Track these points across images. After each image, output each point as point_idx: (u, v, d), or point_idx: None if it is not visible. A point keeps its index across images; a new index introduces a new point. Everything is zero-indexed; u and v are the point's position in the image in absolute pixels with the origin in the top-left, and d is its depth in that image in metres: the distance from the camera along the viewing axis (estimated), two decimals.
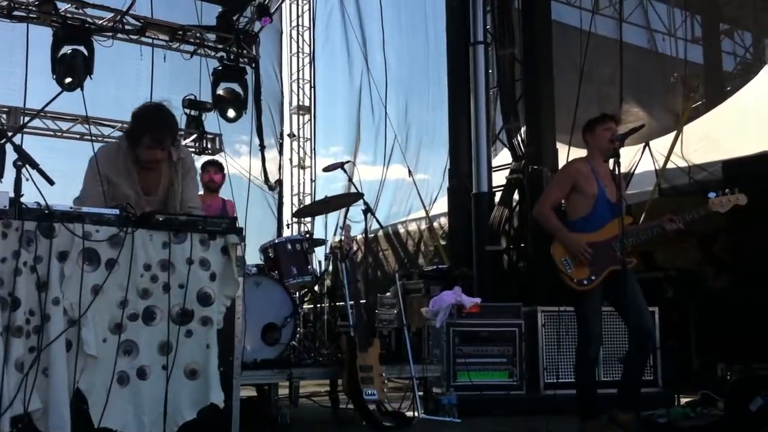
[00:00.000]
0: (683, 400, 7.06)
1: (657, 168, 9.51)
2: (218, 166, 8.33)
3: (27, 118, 10.58)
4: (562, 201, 5.84)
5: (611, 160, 5.54)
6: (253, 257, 7.41)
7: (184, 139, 12.64)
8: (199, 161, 8.81)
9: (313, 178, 16.91)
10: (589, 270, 5.52)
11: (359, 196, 6.97)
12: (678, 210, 5.82)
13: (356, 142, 16.33)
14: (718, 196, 5.68)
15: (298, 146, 17.09)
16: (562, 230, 5.62)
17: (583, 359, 5.70)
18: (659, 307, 7.58)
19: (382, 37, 14.34)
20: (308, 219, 14.97)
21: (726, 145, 9.23)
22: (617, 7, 14.67)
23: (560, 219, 5.73)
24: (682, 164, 9.47)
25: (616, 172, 5.43)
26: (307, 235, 7.65)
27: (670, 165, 9.57)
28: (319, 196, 14.88)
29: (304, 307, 8.42)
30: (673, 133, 9.94)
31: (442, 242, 12.33)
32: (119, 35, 11.05)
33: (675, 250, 11.00)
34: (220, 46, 12.02)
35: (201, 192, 8.14)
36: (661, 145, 10.08)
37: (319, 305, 8.01)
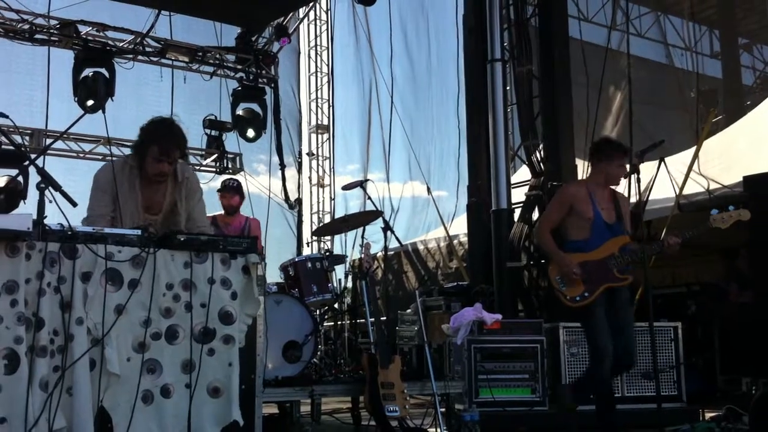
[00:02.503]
0: (708, 415, 7.01)
1: (674, 184, 9.46)
2: (234, 189, 8.26)
3: (49, 141, 10.70)
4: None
5: (632, 177, 5.59)
6: (274, 276, 7.44)
7: (204, 159, 12.75)
8: (217, 181, 8.84)
9: (333, 197, 16.96)
10: (583, 287, 5.76)
11: (378, 213, 6.98)
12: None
13: (367, 159, 16.37)
14: (720, 212, 5.78)
15: (317, 165, 17.16)
16: (555, 252, 5.92)
17: (595, 377, 5.82)
18: (682, 322, 7.54)
19: (390, 54, 14.40)
20: (328, 237, 15.00)
21: (745, 161, 9.18)
22: (633, 22, 14.67)
23: (558, 239, 5.99)
24: (701, 180, 9.43)
25: (633, 188, 5.48)
26: (327, 254, 7.67)
27: (688, 181, 9.53)
28: (338, 214, 14.95)
29: (325, 324, 8.42)
30: (692, 149, 9.89)
31: (464, 263, 12.29)
32: (140, 57, 11.19)
33: (698, 266, 10.96)
34: (240, 67, 12.15)
35: (222, 212, 8.21)
36: (678, 160, 10.03)
37: (339, 323, 8.02)
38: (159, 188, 5.05)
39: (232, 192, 8.26)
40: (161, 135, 4.94)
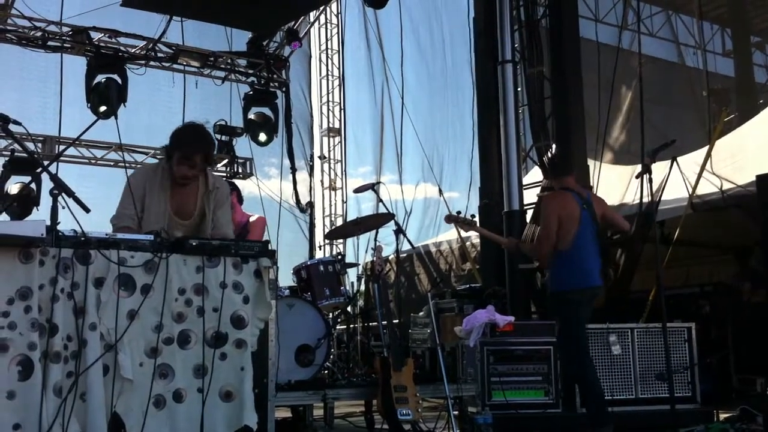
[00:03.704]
0: (722, 416, 6.98)
1: (687, 183, 9.43)
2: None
3: (62, 147, 10.75)
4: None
5: (643, 176, 5.60)
6: (286, 279, 7.46)
7: (216, 164, 12.78)
8: None
9: (345, 200, 16.98)
10: None
11: (390, 216, 6.99)
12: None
13: (379, 161, 16.40)
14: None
15: (329, 168, 17.19)
16: None
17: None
18: (696, 322, 7.51)
19: (401, 57, 14.42)
20: (340, 240, 15.02)
21: (759, 159, 9.13)
22: (644, 22, 14.63)
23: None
24: (714, 179, 9.40)
25: (645, 188, 5.47)
26: (339, 257, 7.67)
27: (701, 180, 9.51)
28: (350, 217, 14.96)
29: (338, 328, 8.43)
30: (705, 148, 9.86)
31: (476, 265, 12.28)
32: (152, 63, 11.24)
33: (712, 266, 10.91)
34: (251, 71, 12.19)
35: None
36: (690, 160, 10.00)
37: (352, 326, 8.02)
38: (190, 194, 5.06)
39: None
40: (186, 139, 4.98)
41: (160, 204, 4.94)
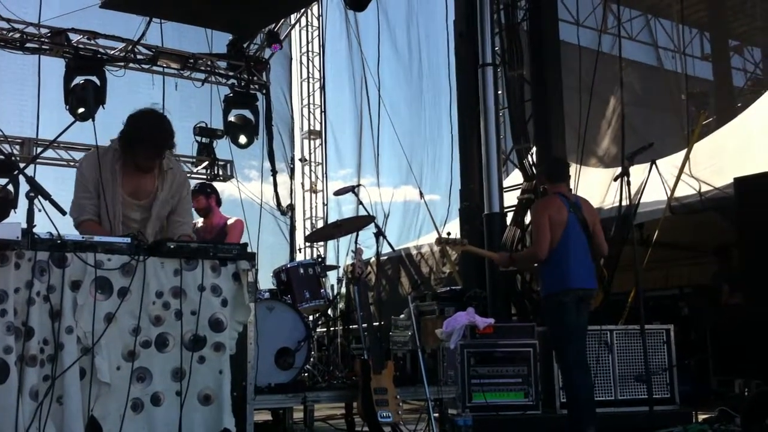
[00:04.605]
0: (701, 417, 7.01)
1: (666, 186, 9.49)
2: (201, 192, 8.04)
3: (40, 149, 10.68)
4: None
5: (623, 179, 5.63)
6: (266, 282, 7.44)
7: (195, 167, 12.75)
8: None
9: (325, 202, 16.96)
10: None
11: (371, 219, 6.98)
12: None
13: (359, 164, 16.40)
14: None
15: (310, 171, 17.17)
16: None
17: None
18: (675, 324, 7.55)
19: (377, 59, 14.42)
20: (321, 243, 14.99)
21: (736, 162, 9.21)
22: (624, 25, 14.71)
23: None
24: (692, 182, 9.46)
25: (624, 192, 5.50)
26: (320, 259, 7.65)
27: (680, 183, 9.56)
28: (331, 220, 14.92)
29: (318, 330, 8.41)
30: (683, 151, 9.92)
31: (457, 268, 12.30)
32: (131, 65, 11.18)
33: (691, 267, 10.99)
34: (231, 74, 12.15)
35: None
36: (669, 163, 10.06)
37: (332, 329, 8.00)
38: (147, 175, 5.03)
39: (198, 194, 8.05)
40: (153, 132, 4.91)
41: (115, 187, 4.89)
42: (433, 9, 14.86)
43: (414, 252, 14.62)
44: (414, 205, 15.44)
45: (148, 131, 4.91)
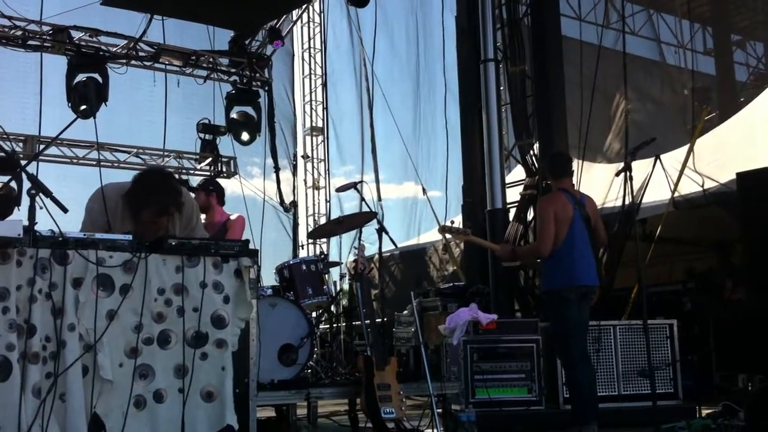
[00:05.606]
0: (704, 412, 7.00)
1: (670, 181, 9.47)
2: (202, 189, 7.89)
3: (42, 146, 10.68)
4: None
5: (623, 174, 5.61)
6: (269, 278, 7.44)
7: (199, 163, 12.76)
8: None
9: (328, 199, 16.94)
10: None
11: (373, 215, 6.97)
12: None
13: (362, 160, 16.38)
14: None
15: (312, 167, 17.15)
16: None
17: None
18: (678, 319, 7.55)
19: (372, 55, 14.40)
20: (323, 239, 14.99)
21: (739, 157, 9.19)
22: (626, 21, 14.65)
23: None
24: (696, 177, 9.44)
25: (627, 187, 5.49)
26: (322, 256, 7.65)
27: (683, 178, 9.55)
28: (333, 216, 14.92)
29: (321, 327, 8.41)
30: (687, 146, 9.91)
31: (460, 264, 12.29)
32: (133, 62, 11.17)
33: (694, 263, 10.96)
34: (233, 70, 12.13)
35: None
36: (673, 158, 10.04)
37: (335, 325, 8.00)
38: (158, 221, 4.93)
39: (197, 190, 8.02)
40: (159, 195, 4.76)
41: (123, 229, 4.79)
42: (431, 4, 14.88)
43: (417, 248, 14.63)
44: (417, 202, 15.44)
45: (154, 195, 4.76)
